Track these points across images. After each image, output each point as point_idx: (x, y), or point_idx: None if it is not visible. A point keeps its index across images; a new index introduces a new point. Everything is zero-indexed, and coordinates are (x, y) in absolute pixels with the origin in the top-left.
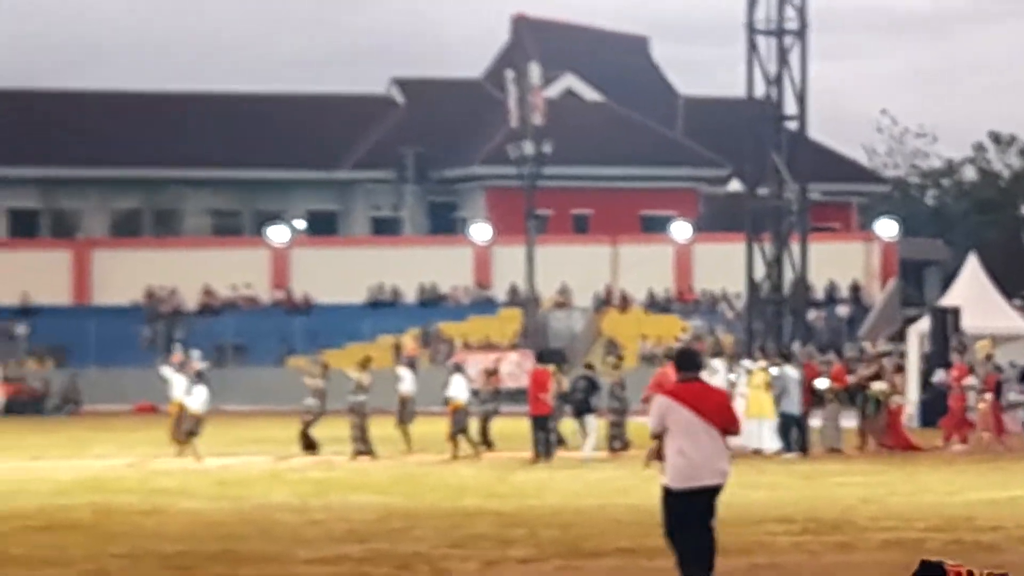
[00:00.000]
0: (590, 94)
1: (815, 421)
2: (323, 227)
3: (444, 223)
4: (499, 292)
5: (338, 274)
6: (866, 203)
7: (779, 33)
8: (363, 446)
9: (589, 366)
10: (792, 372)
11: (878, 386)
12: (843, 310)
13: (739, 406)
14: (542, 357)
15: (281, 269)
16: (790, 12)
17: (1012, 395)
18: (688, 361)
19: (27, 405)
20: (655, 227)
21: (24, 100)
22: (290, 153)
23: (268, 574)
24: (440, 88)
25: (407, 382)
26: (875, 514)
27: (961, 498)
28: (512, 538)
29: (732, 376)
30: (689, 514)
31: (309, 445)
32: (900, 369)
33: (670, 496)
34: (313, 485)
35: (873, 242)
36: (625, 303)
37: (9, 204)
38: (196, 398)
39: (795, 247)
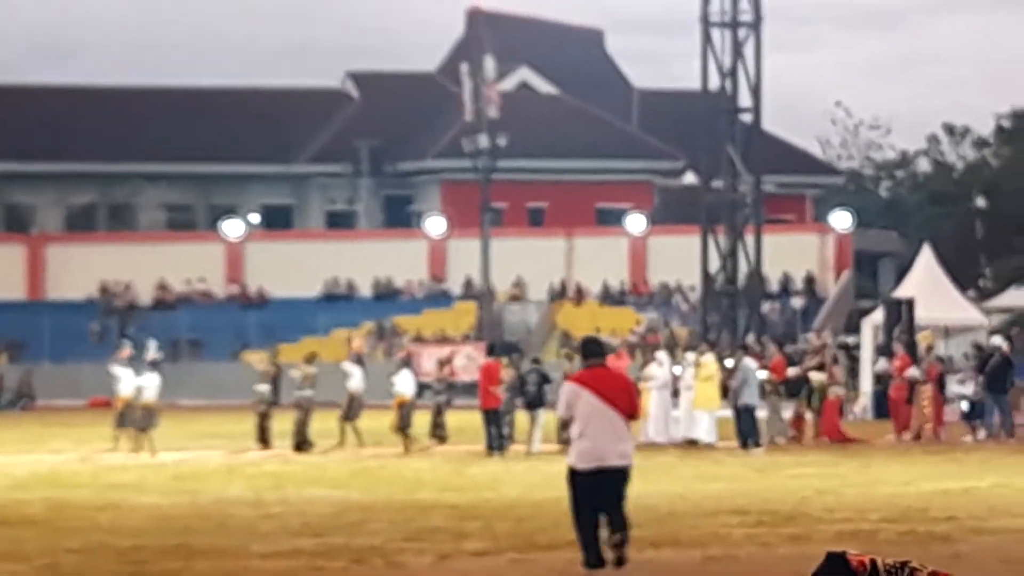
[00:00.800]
0: (545, 87)
1: (759, 413)
2: (278, 221)
3: (399, 217)
4: (454, 285)
5: (293, 268)
6: (820, 195)
7: (734, 25)
8: (301, 438)
9: (537, 360)
10: (751, 363)
11: (817, 377)
12: (797, 302)
13: (685, 398)
14: (493, 350)
15: (236, 263)
16: (744, 4)
17: (955, 387)
18: (592, 349)
19: None
20: (610, 220)
21: None
22: (245, 147)
23: (223, 568)
24: (395, 82)
25: (355, 379)
26: (830, 505)
27: (915, 489)
28: (467, 531)
29: (676, 369)
30: (594, 494)
31: (300, 444)
32: (837, 361)
33: (576, 476)
34: (269, 479)
35: (828, 234)
36: (580, 296)
37: None
38: (149, 388)
39: (750, 239)
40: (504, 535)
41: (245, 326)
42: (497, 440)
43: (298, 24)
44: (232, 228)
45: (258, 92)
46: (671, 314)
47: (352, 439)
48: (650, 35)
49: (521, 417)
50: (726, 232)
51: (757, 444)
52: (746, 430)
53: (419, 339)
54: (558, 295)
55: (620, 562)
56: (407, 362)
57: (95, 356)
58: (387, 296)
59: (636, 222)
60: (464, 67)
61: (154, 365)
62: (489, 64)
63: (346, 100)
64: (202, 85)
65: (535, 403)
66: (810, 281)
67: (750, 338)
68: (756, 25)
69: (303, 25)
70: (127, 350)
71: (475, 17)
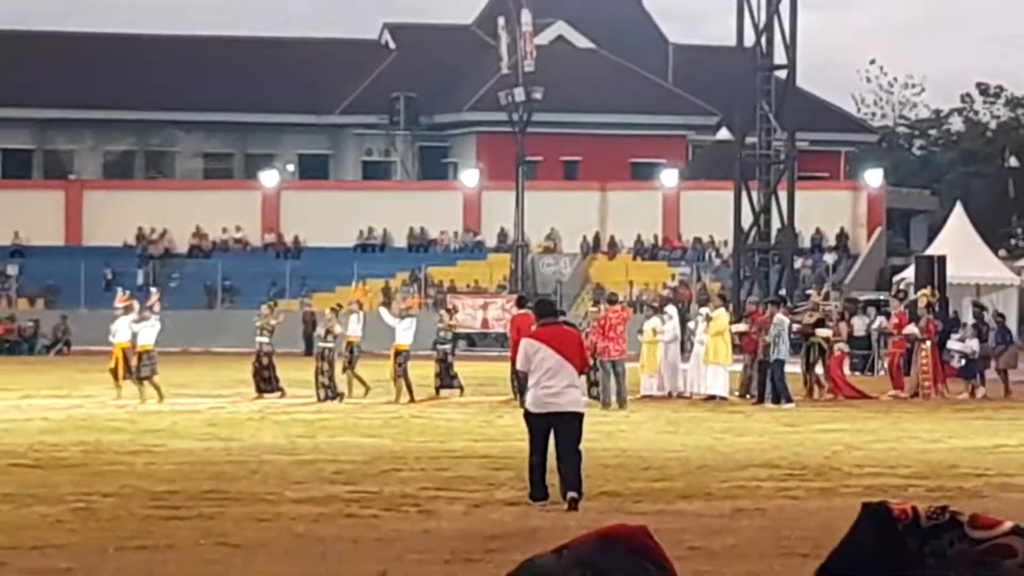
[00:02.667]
0: (581, 41)
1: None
2: (314, 171)
3: (434, 168)
4: (488, 237)
5: (328, 218)
6: (854, 152)
7: None
8: (329, 391)
9: (562, 313)
10: (783, 319)
11: (822, 332)
12: (830, 258)
13: (697, 352)
14: (524, 302)
15: (271, 212)
16: None
17: (954, 344)
18: (546, 309)
19: (17, 345)
20: (644, 174)
21: (19, 41)
22: (282, 97)
23: (257, 513)
24: (432, 34)
25: (355, 326)
26: (859, 461)
27: (945, 445)
28: (499, 480)
29: (690, 324)
30: (545, 435)
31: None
32: (844, 317)
33: (530, 417)
34: (303, 426)
35: (860, 191)
36: (613, 249)
37: (2, 144)
38: (147, 333)
39: (783, 195)
40: None
41: (280, 275)
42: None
43: None
44: (268, 177)
45: (296, 42)
46: (704, 269)
47: (357, 387)
48: None
49: None
50: (759, 188)
51: (789, 400)
52: (778, 385)
53: (453, 290)
54: (591, 248)
55: (574, 504)
56: (409, 313)
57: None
58: (421, 247)
59: (670, 177)
60: (501, 20)
61: (153, 312)
62: (526, 17)
63: (383, 52)
64: (242, 35)
65: None
66: (842, 238)
67: (782, 292)
68: None
69: None
70: (123, 296)
71: None
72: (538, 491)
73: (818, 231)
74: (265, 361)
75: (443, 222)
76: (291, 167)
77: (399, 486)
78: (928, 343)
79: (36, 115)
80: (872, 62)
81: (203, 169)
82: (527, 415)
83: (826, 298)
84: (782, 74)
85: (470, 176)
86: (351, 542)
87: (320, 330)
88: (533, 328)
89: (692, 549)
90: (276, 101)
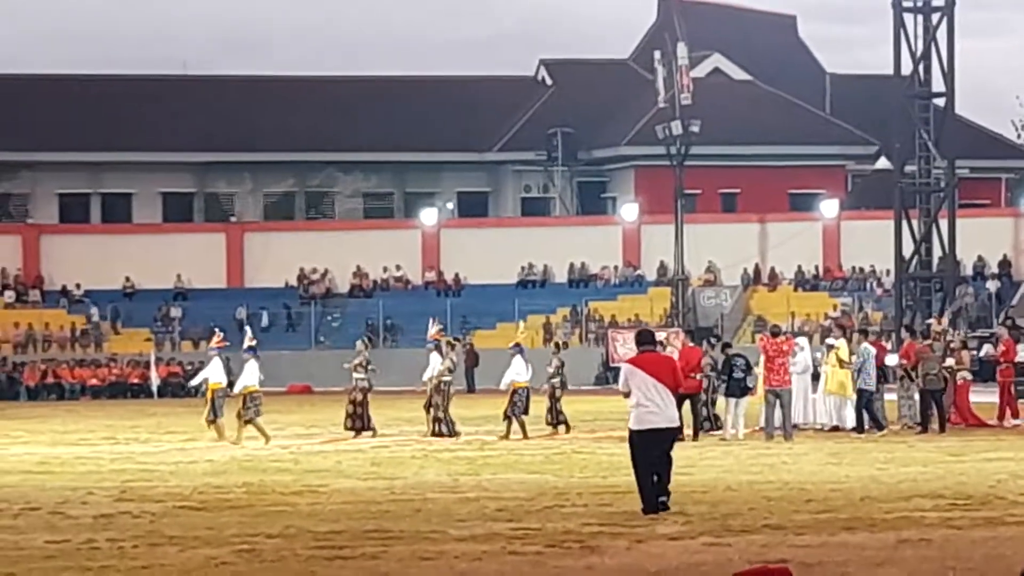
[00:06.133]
0: (737, 73)
1: (890, 396)
2: (473, 208)
3: (593, 203)
4: (648, 271)
5: (488, 255)
6: (1014, 179)
7: (926, 10)
8: (445, 426)
9: (728, 344)
10: (870, 348)
11: (948, 362)
12: (992, 286)
13: (820, 383)
14: (692, 336)
15: (432, 250)
16: None
17: None
18: (645, 339)
19: (181, 387)
20: (803, 205)
21: (177, 86)
22: (441, 135)
23: (420, 552)
24: (588, 69)
25: (432, 366)
26: None
27: None
28: (661, 515)
29: (817, 354)
30: (649, 450)
31: (441, 430)
32: (966, 345)
33: (633, 435)
34: (465, 464)
35: (1022, 218)
36: (774, 281)
37: (164, 188)
38: (247, 376)
39: (944, 223)
40: (698, 519)
41: (441, 312)
42: (696, 424)
43: (493, 15)
44: (428, 215)
45: (453, 81)
46: (866, 299)
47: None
48: (842, 21)
49: (721, 402)
50: (920, 216)
51: (874, 427)
52: (859, 413)
53: (615, 324)
54: (752, 280)
55: (663, 507)
56: (520, 348)
57: (295, 342)
58: (582, 282)
59: (829, 207)
60: (657, 54)
61: (251, 351)
62: (682, 51)
63: (540, 88)
64: (400, 75)
65: (742, 390)
66: (1005, 265)
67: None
68: (949, 9)
69: (498, 15)
70: (218, 337)
71: (667, 4)
72: (649, 504)
73: (980, 258)
74: (359, 398)
75: (603, 257)
76: (450, 205)
77: (562, 522)
78: None
79: (196, 159)
80: None
81: (363, 209)
82: (631, 433)
83: (944, 328)
84: (940, 101)
85: (629, 210)
86: None
87: (446, 364)
88: (634, 355)
89: None
90: (434, 139)
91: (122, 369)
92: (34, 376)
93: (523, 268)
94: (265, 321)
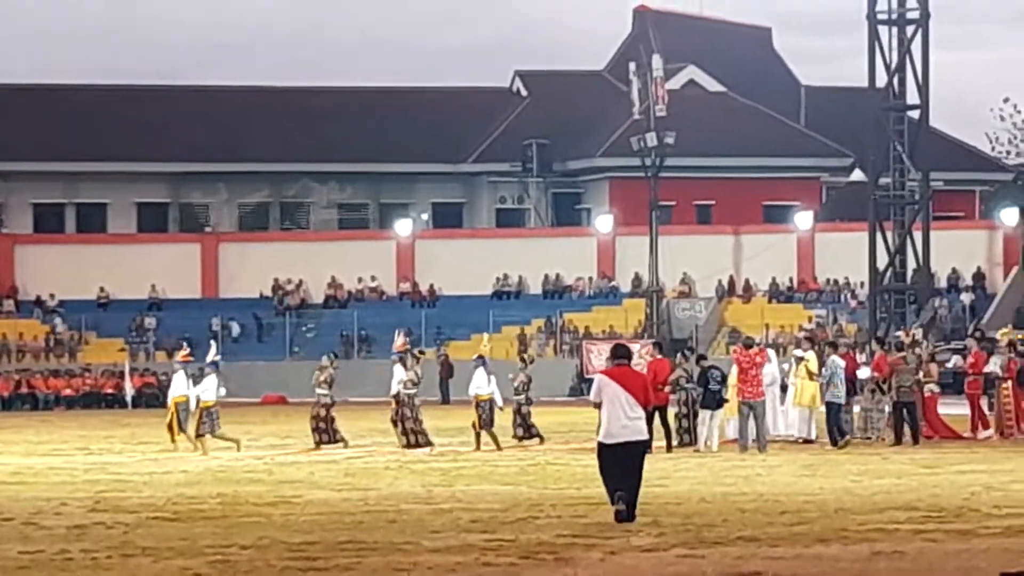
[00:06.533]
0: (712, 85)
1: (855, 408)
2: (448, 219)
3: (568, 214)
4: (623, 282)
5: (463, 266)
6: (989, 191)
7: (901, 22)
8: (420, 437)
9: (703, 357)
10: (838, 361)
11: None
12: (966, 298)
13: (789, 395)
14: (662, 348)
15: (406, 261)
16: (911, 2)
17: None
18: (620, 352)
19: (155, 397)
20: (777, 217)
21: (153, 96)
22: (415, 146)
23: (394, 563)
24: (563, 80)
25: (396, 378)
26: (998, 501)
27: None
28: (635, 527)
29: (784, 365)
30: (617, 462)
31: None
32: (933, 358)
33: (602, 448)
34: (439, 475)
35: (996, 230)
36: (748, 292)
37: (138, 198)
38: (207, 389)
39: (918, 236)
40: (672, 531)
41: (416, 323)
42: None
43: (468, 25)
44: (403, 226)
45: (428, 92)
46: (840, 311)
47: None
48: (817, 33)
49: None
50: (894, 229)
51: (841, 441)
52: (830, 426)
53: (589, 335)
54: (726, 292)
55: (629, 518)
56: (483, 361)
57: (268, 353)
58: (557, 293)
59: (804, 219)
60: (632, 66)
61: (214, 366)
62: (657, 62)
63: (515, 99)
64: (374, 85)
65: (718, 402)
66: (979, 278)
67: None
68: (924, 22)
69: (473, 26)
70: (185, 352)
71: (642, 16)
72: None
73: (954, 271)
74: (323, 413)
75: (578, 268)
76: (425, 216)
77: (536, 534)
78: (1009, 382)
79: (171, 169)
80: (1006, 100)
81: (338, 219)
82: (600, 445)
83: (914, 340)
84: (915, 114)
85: (604, 222)
86: None
87: (409, 376)
88: (606, 367)
89: None
90: (409, 150)
91: (96, 379)
92: (8, 386)
93: (498, 279)
94: (237, 331)
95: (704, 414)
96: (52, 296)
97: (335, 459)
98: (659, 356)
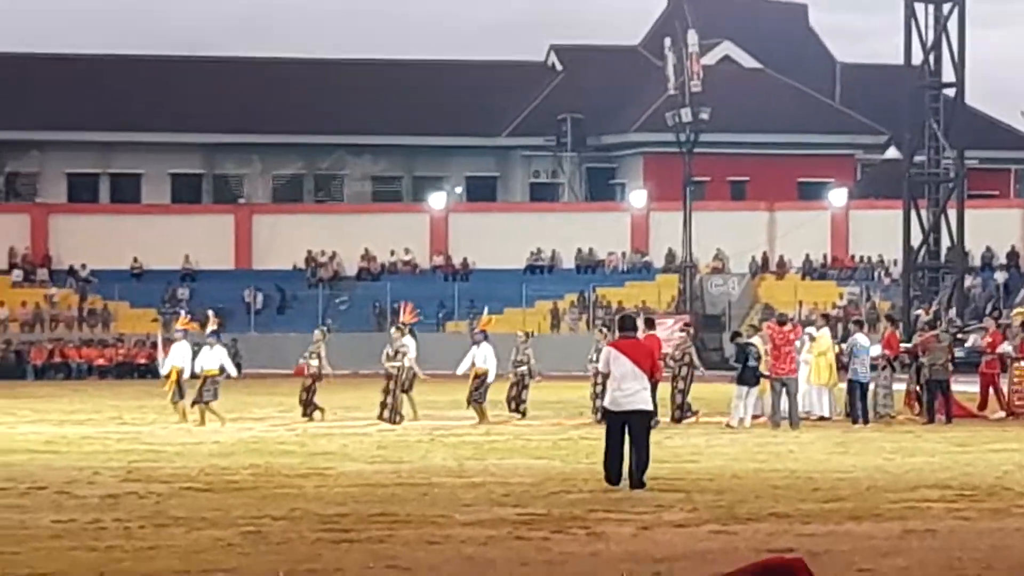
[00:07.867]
0: (748, 61)
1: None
2: (482, 193)
3: (602, 189)
4: (656, 258)
5: (496, 240)
6: None
7: (937, 0)
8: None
9: (738, 334)
10: (861, 339)
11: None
12: (1000, 277)
13: (803, 372)
14: (652, 323)
15: (440, 235)
16: None
17: None
18: (627, 324)
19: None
20: (812, 194)
21: (188, 67)
22: (450, 119)
23: (426, 535)
24: (598, 55)
25: (412, 350)
26: None
27: None
28: (667, 502)
29: (798, 343)
30: (622, 431)
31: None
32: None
33: (608, 415)
34: (472, 449)
35: None
36: (782, 269)
37: (172, 169)
38: (211, 358)
39: (952, 214)
40: (704, 506)
41: (448, 297)
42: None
43: (501, 1)
44: (436, 200)
45: (463, 65)
46: (873, 288)
47: (409, 411)
48: (853, 10)
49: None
50: (928, 207)
51: (866, 420)
52: (852, 404)
53: (621, 310)
54: (760, 268)
55: (640, 485)
56: (485, 336)
57: (300, 325)
58: (590, 268)
59: (838, 196)
60: (667, 41)
61: (215, 335)
62: (692, 38)
63: (550, 73)
64: (409, 59)
65: (756, 379)
66: (1013, 256)
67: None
68: (960, 0)
69: (506, 1)
70: (184, 319)
71: None
72: (613, 476)
73: (988, 249)
74: (308, 383)
75: (611, 243)
76: (459, 189)
77: (568, 508)
78: (1022, 362)
79: (205, 140)
80: None
81: (371, 192)
82: (605, 412)
83: (935, 317)
84: (951, 92)
85: (638, 197)
86: (520, 564)
87: (389, 350)
88: (614, 339)
89: (862, 571)
90: (444, 124)
91: (129, 349)
92: (41, 355)
93: (531, 253)
94: (267, 302)
95: (740, 390)
96: (84, 266)
97: (368, 431)
98: (651, 332)
